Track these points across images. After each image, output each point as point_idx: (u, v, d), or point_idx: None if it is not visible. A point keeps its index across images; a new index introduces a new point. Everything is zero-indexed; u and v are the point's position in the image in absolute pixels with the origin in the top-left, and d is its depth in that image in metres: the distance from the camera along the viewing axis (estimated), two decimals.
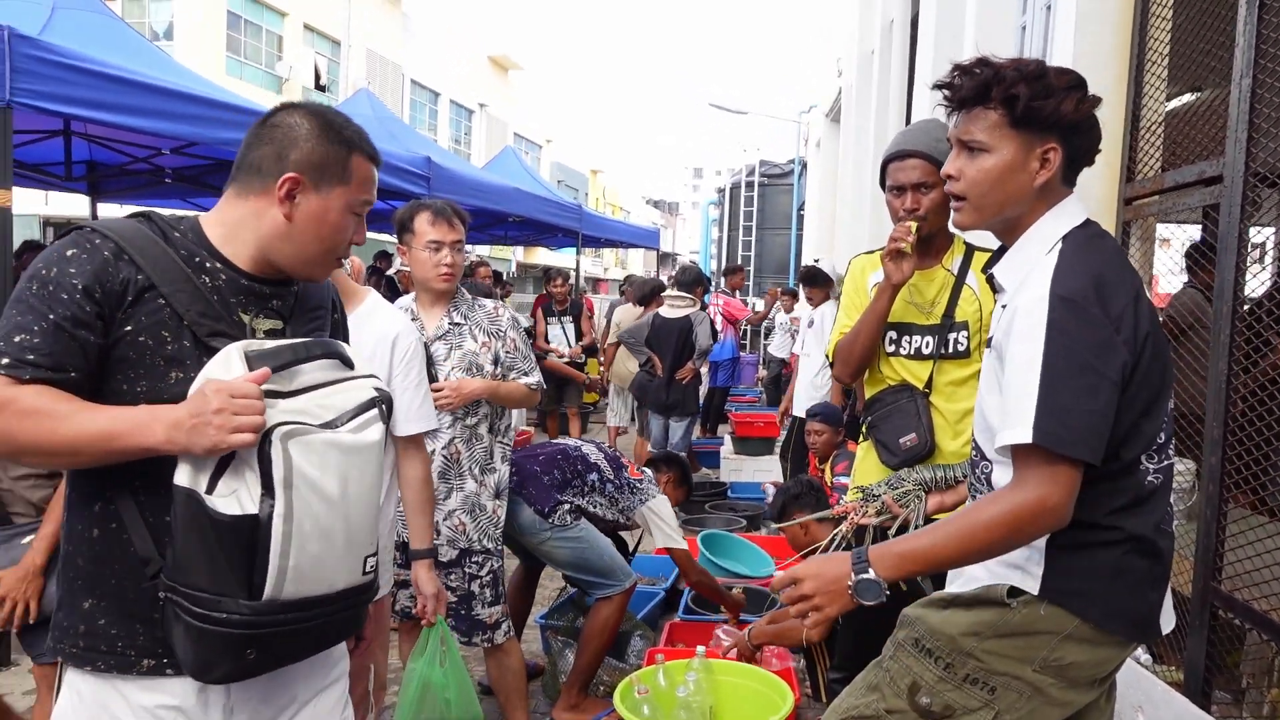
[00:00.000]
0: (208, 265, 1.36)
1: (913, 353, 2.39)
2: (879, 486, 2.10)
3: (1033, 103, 1.44)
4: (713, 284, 10.32)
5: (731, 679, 2.84)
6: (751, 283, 14.27)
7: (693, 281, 7.02)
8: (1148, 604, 1.47)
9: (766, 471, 7.02)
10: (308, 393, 1.30)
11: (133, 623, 1.32)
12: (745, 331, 12.71)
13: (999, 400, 1.45)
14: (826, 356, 2.59)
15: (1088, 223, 1.51)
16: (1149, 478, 1.46)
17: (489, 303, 2.93)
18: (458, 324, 2.80)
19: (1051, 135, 1.46)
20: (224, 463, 1.23)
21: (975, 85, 1.48)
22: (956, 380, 2.33)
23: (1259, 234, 3.50)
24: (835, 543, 2.18)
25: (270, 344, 1.31)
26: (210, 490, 1.22)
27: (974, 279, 2.40)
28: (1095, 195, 3.46)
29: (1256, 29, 2.45)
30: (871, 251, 2.58)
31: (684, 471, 4.24)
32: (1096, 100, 1.48)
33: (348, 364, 1.38)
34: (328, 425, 1.28)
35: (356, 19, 22.18)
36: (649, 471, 3.61)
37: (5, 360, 1.23)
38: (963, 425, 2.29)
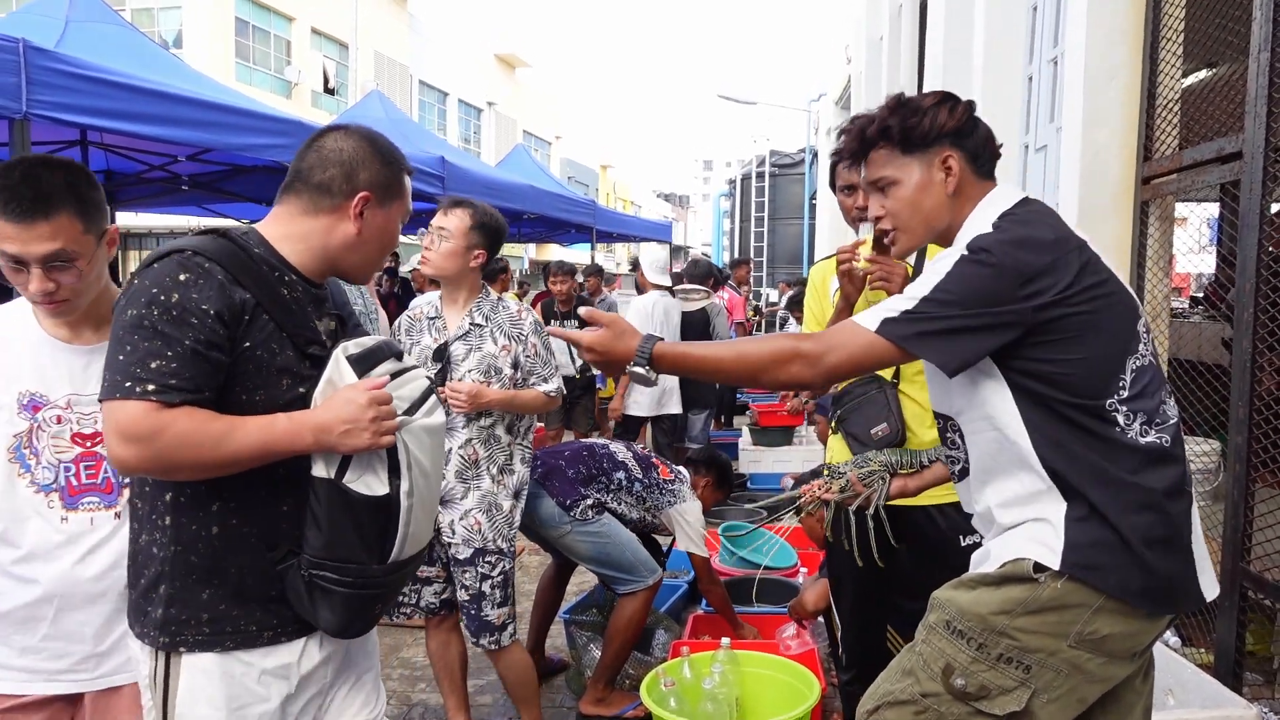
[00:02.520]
0: (287, 279, 1.47)
1: None
2: (845, 465, 2.13)
3: (907, 124, 1.59)
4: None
5: (757, 670, 2.85)
6: (765, 273, 14.23)
7: (704, 275, 7.03)
8: (1163, 574, 1.45)
9: (785, 462, 6.99)
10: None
11: (249, 603, 1.46)
12: (759, 324, 12.68)
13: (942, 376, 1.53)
14: None
15: (1026, 200, 1.58)
16: (1144, 441, 1.46)
17: (513, 304, 2.89)
18: (479, 325, 2.77)
19: (942, 145, 1.59)
20: (348, 455, 1.41)
21: (855, 135, 1.65)
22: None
23: None
24: (800, 513, 2.19)
25: (356, 348, 1.45)
26: (339, 478, 1.41)
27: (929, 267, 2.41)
28: (1112, 175, 3.43)
29: (1274, 1, 2.41)
30: (829, 257, 2.59)
31: (724, 473, 4.03)
32: (969, 104, 1.62)
33: (399, 358, 1.53)
34: (408, 413, 1.46)
35: (363, 21, 22.24)
36: (683, 471, 3.55)
37: (151, 386, 1.29)
38: None
